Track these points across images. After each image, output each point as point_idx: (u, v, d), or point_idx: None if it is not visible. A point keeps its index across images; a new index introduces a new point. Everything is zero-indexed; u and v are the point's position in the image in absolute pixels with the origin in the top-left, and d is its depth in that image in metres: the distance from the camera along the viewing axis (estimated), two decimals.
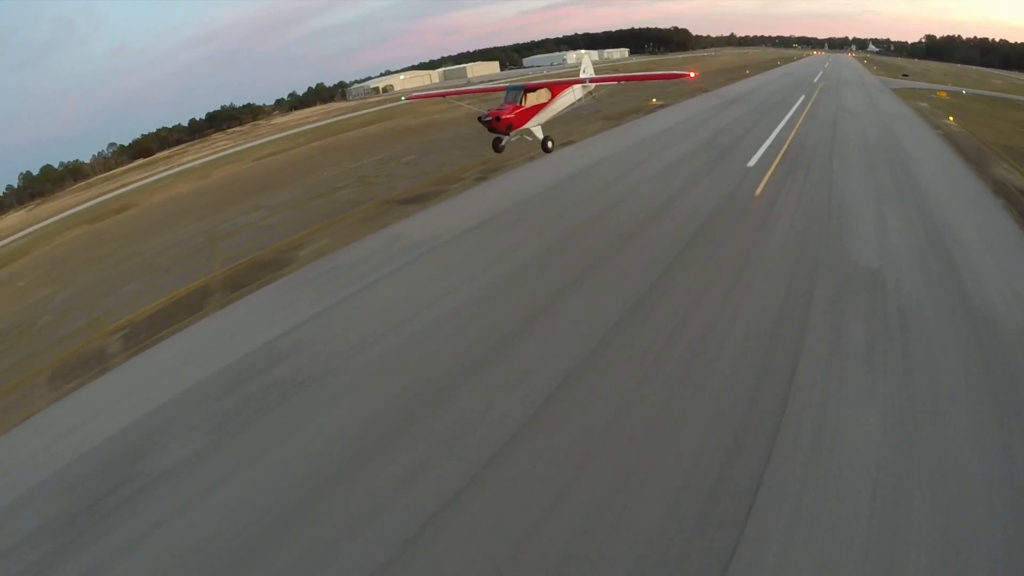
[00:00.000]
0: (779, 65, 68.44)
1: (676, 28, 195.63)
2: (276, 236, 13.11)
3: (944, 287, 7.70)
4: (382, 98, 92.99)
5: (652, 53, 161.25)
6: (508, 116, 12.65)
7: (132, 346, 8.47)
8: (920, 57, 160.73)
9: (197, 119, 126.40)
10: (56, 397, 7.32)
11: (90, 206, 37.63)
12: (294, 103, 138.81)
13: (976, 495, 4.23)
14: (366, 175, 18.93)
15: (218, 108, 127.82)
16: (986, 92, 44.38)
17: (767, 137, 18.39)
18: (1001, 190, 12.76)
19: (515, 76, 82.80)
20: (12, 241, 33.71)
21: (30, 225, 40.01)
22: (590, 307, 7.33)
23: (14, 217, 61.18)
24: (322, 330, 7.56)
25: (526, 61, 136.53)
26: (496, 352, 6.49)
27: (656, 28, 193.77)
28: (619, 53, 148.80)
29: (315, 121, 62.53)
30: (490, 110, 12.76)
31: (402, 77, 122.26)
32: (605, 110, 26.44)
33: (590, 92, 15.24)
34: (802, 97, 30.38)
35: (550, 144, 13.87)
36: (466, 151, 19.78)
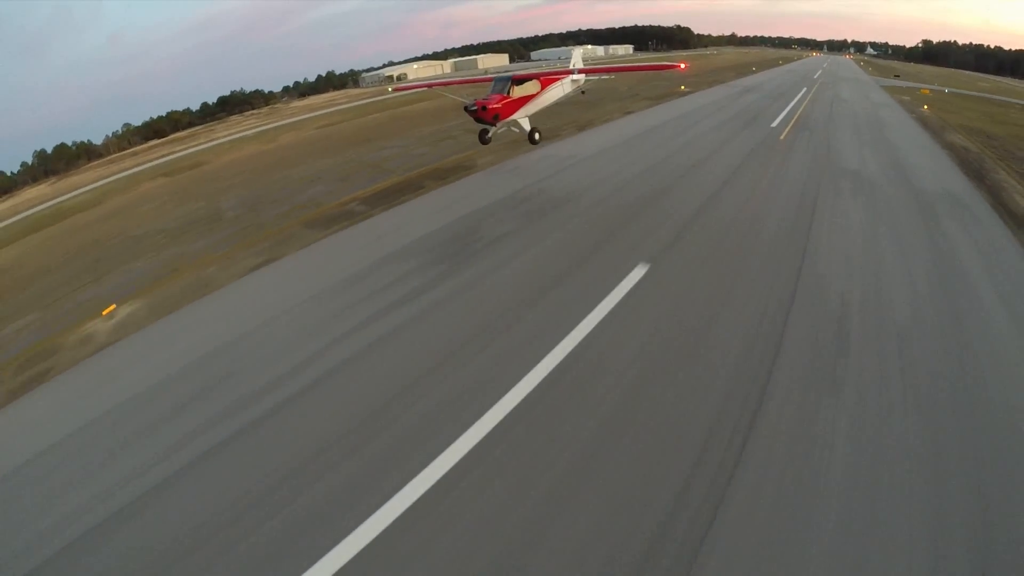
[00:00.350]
0: (781, 64, 74.15)
1: (679, 26, 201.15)
2: (436, 157, 18.10)
3: (897, 178, 13.25)
4: (400, 85, 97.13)
5: (656, 50, 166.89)
6: (495, 106, 12.85)
7: (381, 205, 13.35)
8: (917, 61, 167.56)
9: (209, 103, 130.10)
10: (349, 224, 12.51)
11: (147, 168, 40.08)
12: (304, 90, 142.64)
13: (898, 269, 9.71)
14: (469, 130, 24.17)
15: (227, 93, 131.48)
16: (968, 91, 50.18)
17: (781, 112, 23.92)
18: (947, 146, 18.37)
19: (522, 69, 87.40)
20: (71, 198, 36.47)
21: (75, 189, 42.26)
22: (701, 182, 12.72)
23: (42, 188, 64.34)
24: (544, 189, 12.75)
25: (534, 55, 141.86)
26: (660, 195, 11.88)
27: (659, 26, 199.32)
28: (624, 49, 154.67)
29: (344, 103, 66.15)
30: (476, 100, 12.98)
31: (415, 66, 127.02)
32: (644, 93, 31.90)
33: (579, 85, 15.40)
34: (804, 89, 35.95)
35: (537, 136, 14.09)
36: (537, 116, 25.14)
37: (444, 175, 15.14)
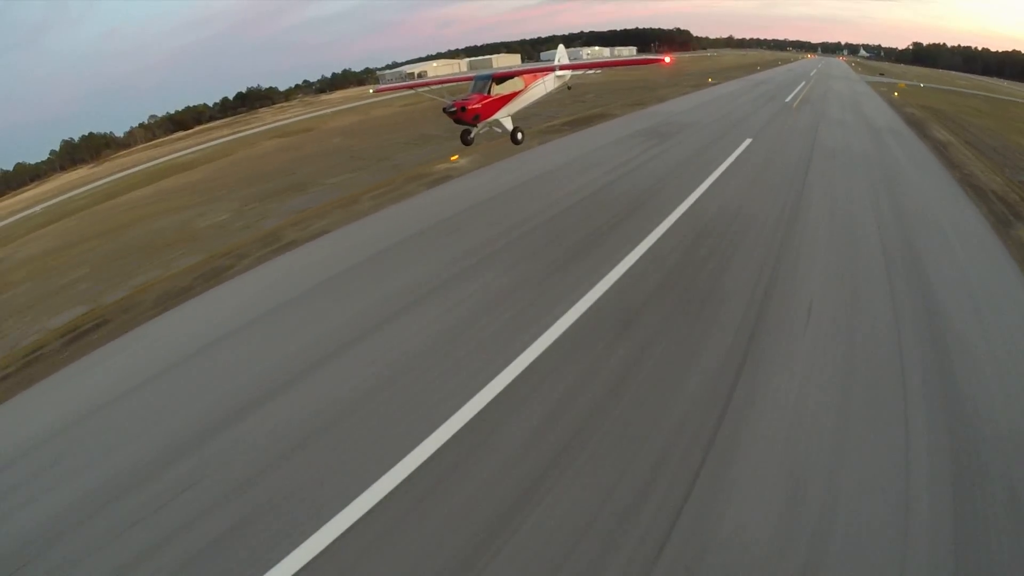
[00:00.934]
0: (780, 64, 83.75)
1: (679, 29, 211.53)
2: (564, 114, 27.16)
3: (863, 124, 22.46)
4: (381, 87, 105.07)
5: (658, 52, 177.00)
6: (474, 106, 12.36)
7: (570, 128, 22.58)
8: (907, 63, 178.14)
9: (228, 98, 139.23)
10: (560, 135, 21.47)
11: (248, 135, 46.11)
12: (323, 86, 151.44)
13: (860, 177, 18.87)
14: (552, 103, 33.11)
15: (244, 89, 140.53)
16: (943, 86, 59.86)
17: (789, 95, 33.17)
18: (902, 113, 27.64)
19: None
20: (183, 155, 41.56)
21: (149, 161, 47.00)
22: (755, 122, 21.79)
23: (83, 170, 71.12)
24: (672, 121, 21.74)
25: (543, 55, 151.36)
26: (738, 123, 20.94)
27: (659, 28, 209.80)
28: (628, 51, 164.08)
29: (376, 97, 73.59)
30: (455, 100, 12.47)
31: (435, 64, 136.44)
32: (683, 83, 41.17)
33: (565, 82, 15.22)
34: (804, 82, 45.25)
35: (520, 136, 13.57)
36: (601, 95, 34.19)
37: (588, 121, 24.26)
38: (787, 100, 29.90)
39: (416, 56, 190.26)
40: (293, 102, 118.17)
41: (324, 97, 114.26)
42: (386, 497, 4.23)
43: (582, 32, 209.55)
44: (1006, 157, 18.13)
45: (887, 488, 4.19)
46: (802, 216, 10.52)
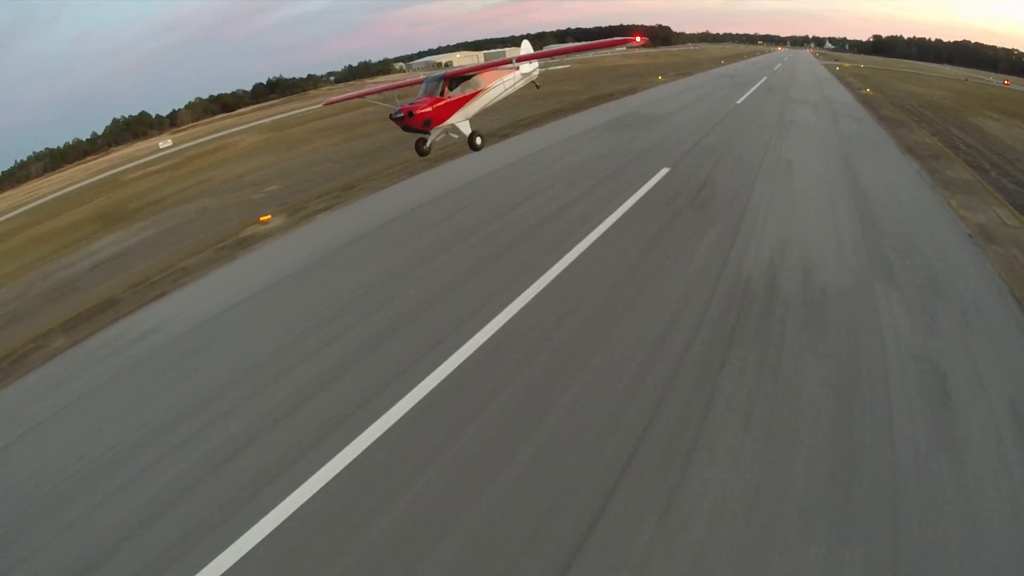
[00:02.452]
0: (758, 55, 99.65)
1: (660, 25, 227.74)
2: (617, 88, 41.51)
3: (813, 80, 37.38)
4: (332, 99, 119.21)
5: (643, 47, 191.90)
6: (424, 111, 10.93)
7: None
8: (867, 53, 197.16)
9: (261, 84, 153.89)
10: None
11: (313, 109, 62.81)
12: (343, 75, 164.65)
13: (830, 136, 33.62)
14: (603, 80, 47.34)
15: (276, 78, 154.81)
16: (881, 68, 75.85)
17: (774, 66, 48.14)
18: (839, 78, 42.81)
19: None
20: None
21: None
22: (711, 106, 36.33)
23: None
24: (649, 109, 36.24)
25: (487, 53, 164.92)
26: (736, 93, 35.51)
27: (642, 24, 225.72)
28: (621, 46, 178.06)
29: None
30: (403, 105, 10.98)
31: (458, 55, 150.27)
32: (677, 71, 55.93)
33: (532, 79, 13.81)
34: (779, 65, 60.42)
35: (479, 140, 12.14)
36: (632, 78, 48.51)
37: (633, 90, 38.70)
38: (776, 68, 44.90)
39: (388, 56, 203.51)
40: (322, 90, 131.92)
41: (341, 86, 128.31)
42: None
43: (569, 28, 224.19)
44: (901, 99, 32.95)
45: (830, 229, 12.39)
46: (788, 108, 25.01)
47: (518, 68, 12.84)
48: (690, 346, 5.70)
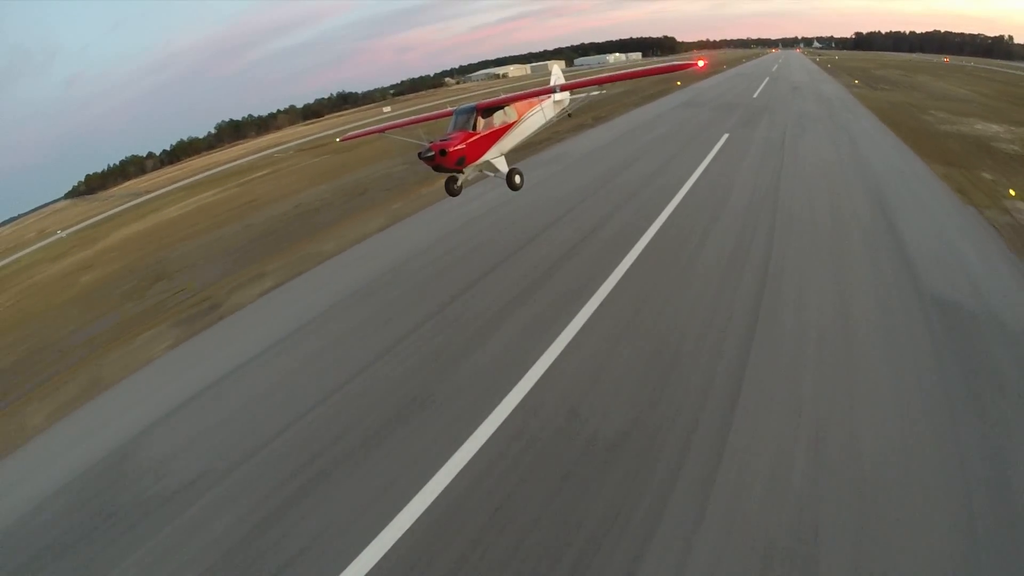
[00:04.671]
0: (756, 58, 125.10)
1: (666, 36, 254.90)
2: (658, 89, 66.17)
3: (804, 66, 62.11)
4: (505, 80, 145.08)
5: (655, 56, 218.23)
6: (457, 148, 9.84)
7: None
8: (850, 49, 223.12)
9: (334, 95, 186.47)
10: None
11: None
12: (403, 88, 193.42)
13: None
14: (642, 84, 71.85)
15: (347, 91, 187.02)
16: (856, 61, 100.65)
17: (772, 66, 72.97)
18: (820, 65, 67.57)
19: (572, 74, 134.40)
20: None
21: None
22: (759, 79, 60.93)
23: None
24: (703, 95, 60.80)
25: (577, 61, 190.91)
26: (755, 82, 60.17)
27: (649, 36, 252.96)
28: (636, 55, 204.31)
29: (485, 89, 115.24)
30: (432, 142, 9.91)
31: (512, 68, 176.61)
32: (698, 74, 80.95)
33: (564, 108, 12.90)
34: (777, 64, 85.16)
35: (518, 179, 10.94)
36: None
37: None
38: (773, 70, 69.68)
39: (378, 85, 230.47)
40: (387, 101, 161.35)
41: (401, 99, 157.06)
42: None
43: (582, 43, 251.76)
44: (863, 75, 57.21)
45: (812, 98, 43.02)
46: (800, 86, 49.63)
47: (551, 96, 11.92)
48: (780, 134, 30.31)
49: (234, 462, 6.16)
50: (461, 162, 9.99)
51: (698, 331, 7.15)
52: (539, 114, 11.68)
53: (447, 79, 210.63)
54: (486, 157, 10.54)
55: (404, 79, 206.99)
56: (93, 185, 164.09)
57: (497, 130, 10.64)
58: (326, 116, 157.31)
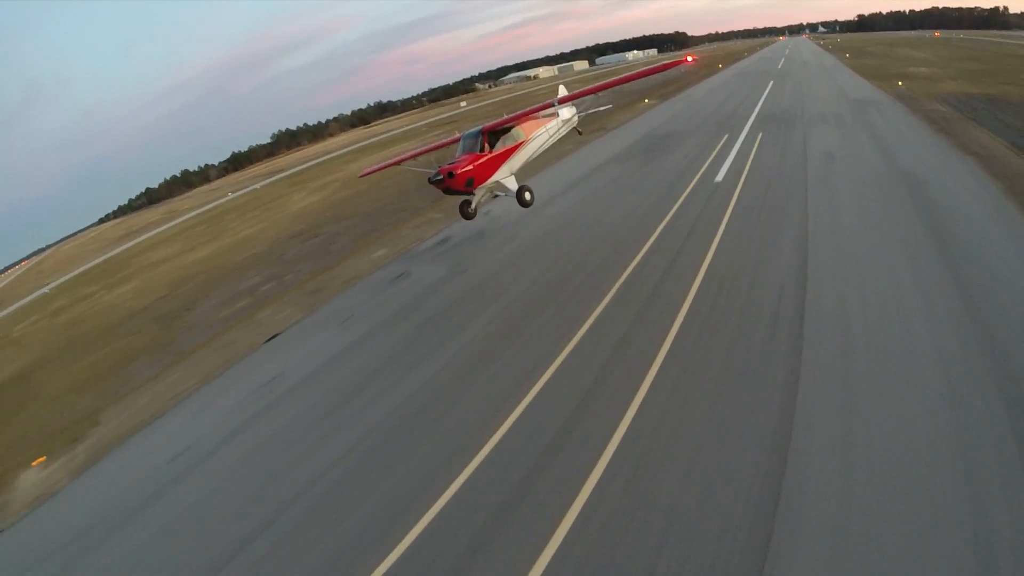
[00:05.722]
0: (768, 46, 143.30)
1: (678, 32, 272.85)
2: (698, 76, 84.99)
3: (812, 50, 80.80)
4: (535, 82, 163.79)
5: (668, 51, 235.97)
6: (464, 170, 10.31)
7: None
8: (853, 31, 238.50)
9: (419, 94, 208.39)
10: None
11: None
12: (436, 95, 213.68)
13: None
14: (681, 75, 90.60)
15: (439, 86, 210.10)
16: (856, 42, 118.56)
17: (784, 50, 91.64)
18: (824, 48, 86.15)
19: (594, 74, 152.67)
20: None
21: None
22: (777, 58, 79.54)
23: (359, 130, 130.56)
24: (744, 71, 79.72)
25: (598, 60, 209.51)
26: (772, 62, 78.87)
27: (661, 32, 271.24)
28: (653, 51, 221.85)
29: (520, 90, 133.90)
30: (440, 166, 10.48)
31: (541, 70, 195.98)
32: (723, 62, 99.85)
33: (573, 126, 13.38)
34: (788, 49, 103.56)
35: (528, 196, 11.39)
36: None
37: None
38: (787, 52, 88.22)
39: (389, 97, 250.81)
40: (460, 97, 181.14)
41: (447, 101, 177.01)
42: None
43: (597, 44, 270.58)
44: (855, 51, 75.46)
45: (816, 71, 61.84)
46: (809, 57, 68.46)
47: (558, 115, 12.24)
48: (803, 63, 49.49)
49: None
50: (470, 183, 10.37)
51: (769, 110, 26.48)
52: (545, 134, 11.93)
53: (477, 84, 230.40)
54: (495, 177, 10.83)
55: (433, 87, 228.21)
56: (156, 196, 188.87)
57: (505, 151, 10.83)
58: (373, 123, 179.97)
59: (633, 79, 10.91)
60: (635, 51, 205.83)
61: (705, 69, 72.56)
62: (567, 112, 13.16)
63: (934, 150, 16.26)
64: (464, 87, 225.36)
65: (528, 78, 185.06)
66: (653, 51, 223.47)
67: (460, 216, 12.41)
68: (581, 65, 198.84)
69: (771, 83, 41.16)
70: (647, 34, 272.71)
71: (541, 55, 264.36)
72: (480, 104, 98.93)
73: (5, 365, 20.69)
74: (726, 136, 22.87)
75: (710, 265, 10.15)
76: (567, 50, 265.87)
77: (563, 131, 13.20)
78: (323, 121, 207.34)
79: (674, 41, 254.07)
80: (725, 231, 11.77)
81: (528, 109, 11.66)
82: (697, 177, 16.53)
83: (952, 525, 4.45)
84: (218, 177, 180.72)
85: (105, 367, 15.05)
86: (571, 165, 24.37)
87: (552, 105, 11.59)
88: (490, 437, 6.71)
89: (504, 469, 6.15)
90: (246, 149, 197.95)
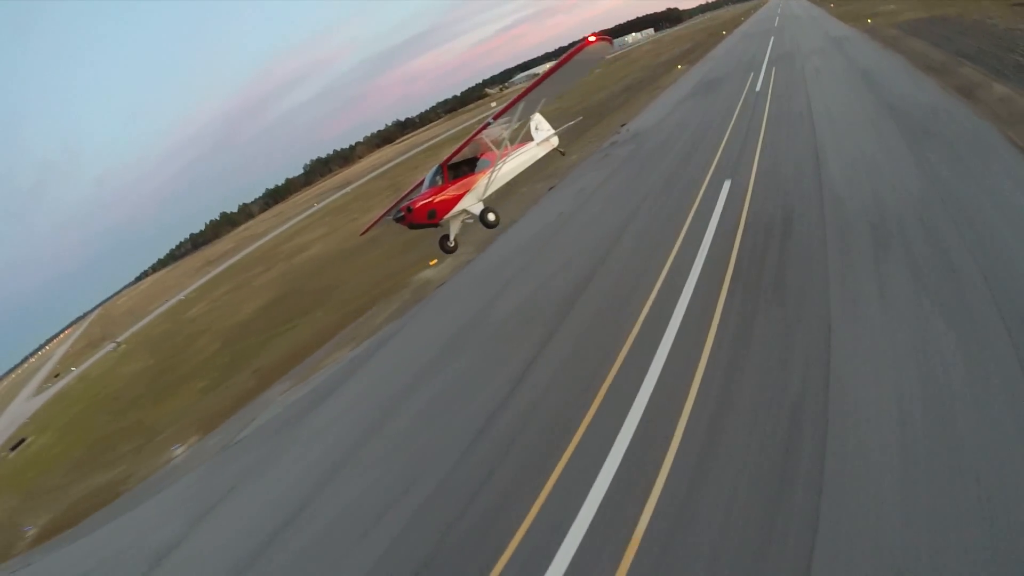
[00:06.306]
0: (760, 8, 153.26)
1: (669, 8, 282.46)
2: (709, 42, 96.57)
3: (802, 10, 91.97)
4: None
5: (664, 29, 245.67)
6: (422, 203, 10.68)
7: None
8: None
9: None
10: None
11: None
12: (453, 105, 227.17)
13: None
14: (687, 48, 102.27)
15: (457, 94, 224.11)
16: None
17: (778, 8, 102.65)
18: (814, 2, 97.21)
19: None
20: None
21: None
22: (772, 14, 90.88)
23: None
24: (762, 24, 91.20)
25: (616, 41, 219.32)
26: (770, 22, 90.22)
27: (652, 13, 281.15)
28: (649, 31, 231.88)
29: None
30: (402, 205, 10.98)
31: (548, 66, 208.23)
32: (726, 28, 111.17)
33: (555, 147, 13.83)
34: (780, 6, 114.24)
35: (491, 216, 11.60)
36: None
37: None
38: (779, 10, 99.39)
39: (395, 118, 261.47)
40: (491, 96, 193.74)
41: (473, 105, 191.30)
42: None
43: (597, 31, 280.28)
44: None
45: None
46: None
47: (532, 139, 12.79)
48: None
49: None
50: (432, 215, 10.69)
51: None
52: (519, 157, 12.55)
53: (487, 90, 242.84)
54: (461, 206, 11.22)
55: (440, 100, 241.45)
56: (201, 240, 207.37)
57: (467, 180, 11.29)
58: (398, 139, 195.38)
59: (543, 79, 11.18)
60: (633, 33, 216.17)
61: (712, 38, 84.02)
62: (542, 134, 13.59)
63: (879, 55, 28.64)
64: (475, 94, 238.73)
65: (537, 75, 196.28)
66: (650, 31, 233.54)
67: (442, 250, 12.82)
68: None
69: (772, 38, 53.20)
70: (640, 15, 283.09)
71: (540, 52, 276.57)
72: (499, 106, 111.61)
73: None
74: (752, 73, 35.49)
75: (768, 119, 23.00)
76: (564, 43, 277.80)
77: (541, 153, 13.59)
78: (351, 145, 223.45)
79: (668, 18, 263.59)
80: (769, 104, 24.70)
81: (470, 136, 11.62)
82: (745, 90, 29.53)
83: None
84: (262, 212, 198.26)
85: None
86: (657, 105, 37.56)
87: (488, 124, 11.31)
88: None
89: None
90: (283, 182, 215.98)
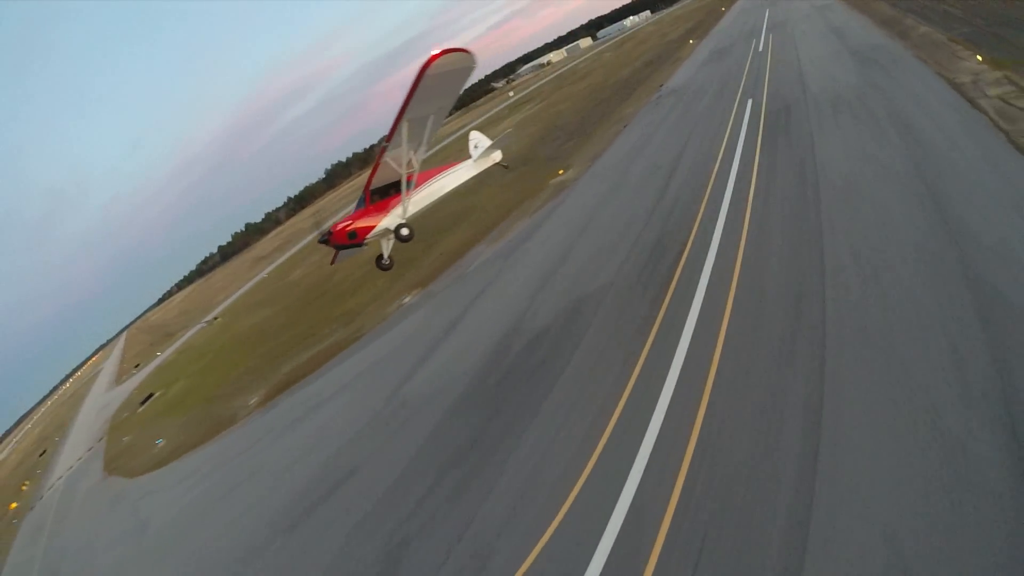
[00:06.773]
0: None
1: None
2: (711, 18, 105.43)
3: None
4: (550, 67, 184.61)
5: (661, 10, 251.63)
6: (342, 226, 11.51)
7: None
8: None
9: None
10: None
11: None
12: (464, 101, 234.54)
13: None
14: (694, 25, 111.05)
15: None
16: None
17: None
18: None
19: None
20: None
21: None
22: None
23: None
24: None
25: (599, 34, 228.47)
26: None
27: None
28: (646, 13, 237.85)
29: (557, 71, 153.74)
30: (324, 228, 11.86)
31: (552, 55, 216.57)
32: (724, 4, 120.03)
33: (497, 161, 14.69)
34: None
35: (404, 232, 12.10)
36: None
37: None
38: None
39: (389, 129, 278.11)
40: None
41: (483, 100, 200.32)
42: None
43: (591, 20, 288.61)
44: None
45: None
46: None
47: (471, 157, 13.64)
48: None
49: None
50: (353, 236, 11.40)
51: None
52: (451, 175, 13.31)
53: (493, 84, 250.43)
54: (383, 225, 11.82)
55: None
56: (230, 250, 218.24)
57: (387, 201, 11.94)
58: None
59: (405, 105, 10.33)
60: (631, 17, 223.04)
61: (712, 15, 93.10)
62: (480, 151, 14.42)
63: (849, 16, 38.52)
64: (482, 88, 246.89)
65: (542, 65, 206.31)
66: (647, 13, 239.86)
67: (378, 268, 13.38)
68: (586, 42, 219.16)
69: (768, 11, 62.65)
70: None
71: (539, 43, 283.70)
72: (526, 91, 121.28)
73: None
74: (754, 40, 45.42)
75: (770, 66, 33.00)
76: (564, 32, 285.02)
77: (477, 170, 14.27)
78: (369, 147, 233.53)
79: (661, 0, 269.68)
80: (771, 57, 34.84)
81: (376, 160, 11.60)
82: (751, 52, 39.60)
83: None
84: (288, 218, 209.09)
85: None
86: (682, 71, 48.00)
87: (385, 148, 11.23)
88: None
89: None
90: (302, 189, 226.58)
